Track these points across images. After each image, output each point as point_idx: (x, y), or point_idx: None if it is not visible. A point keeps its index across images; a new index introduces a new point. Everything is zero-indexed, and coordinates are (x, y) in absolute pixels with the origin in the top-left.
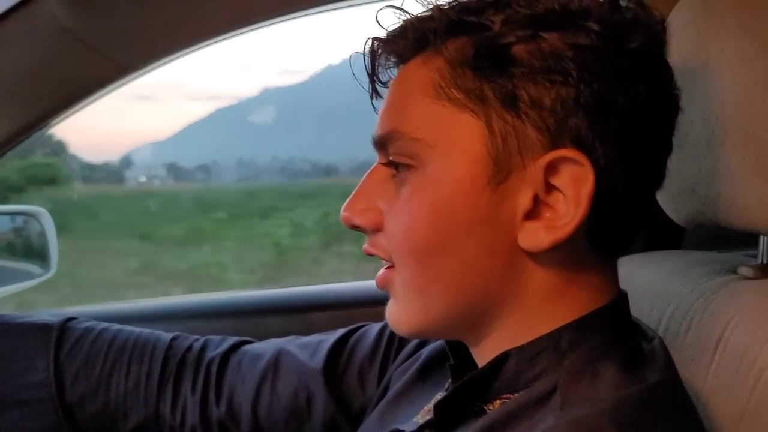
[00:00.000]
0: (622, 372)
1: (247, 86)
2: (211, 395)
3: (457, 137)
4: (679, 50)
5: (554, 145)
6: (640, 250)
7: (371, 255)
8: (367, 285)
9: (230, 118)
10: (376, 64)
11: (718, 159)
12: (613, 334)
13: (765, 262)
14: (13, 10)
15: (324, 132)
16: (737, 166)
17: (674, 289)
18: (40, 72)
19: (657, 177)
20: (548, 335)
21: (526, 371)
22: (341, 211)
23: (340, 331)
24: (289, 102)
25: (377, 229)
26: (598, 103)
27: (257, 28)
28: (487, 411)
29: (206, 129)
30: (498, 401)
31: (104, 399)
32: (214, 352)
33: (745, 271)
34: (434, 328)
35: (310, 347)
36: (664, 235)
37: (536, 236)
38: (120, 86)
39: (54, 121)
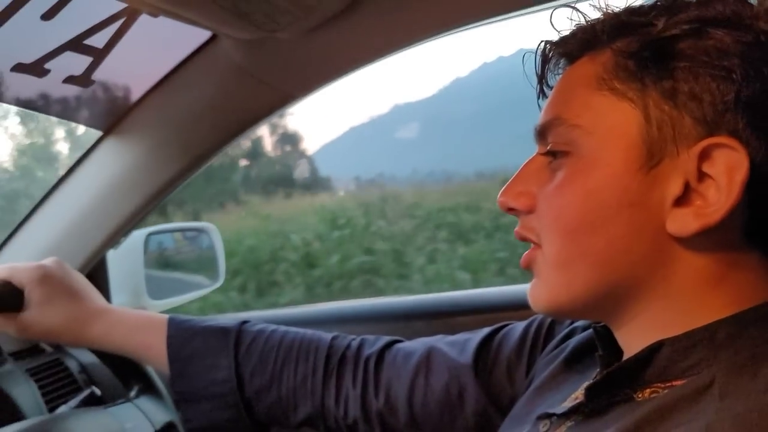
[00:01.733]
0: None
1: (377, 104)
2: (370, 389)
3: (615, 125)
4: None
5: (709, 135)
6: None
7: (522, 239)
8: (509, 290)
9: (364, 136)
10: (546, 67)
11: None
12: None
13: None
14: (194, 53)
15: (457, 142)
16: None
17: None
18: (217, 105)
19: None
20: (705, 327)
21: (679, 362)
22: (498, 196)
23: (486, 329)
24: (420, 116)
25: (530, 212)
26: (759, 100)
27: (412, 47)
28: (636, 399)
29: (341, 147)
30: (648, 390)
31: (277, 393)
32: (370, 350)
33: None
34: (575, 306)
35: (458, 344)
36: None
37: (684, 221)
38: (283, 111)
39: (227, 146)
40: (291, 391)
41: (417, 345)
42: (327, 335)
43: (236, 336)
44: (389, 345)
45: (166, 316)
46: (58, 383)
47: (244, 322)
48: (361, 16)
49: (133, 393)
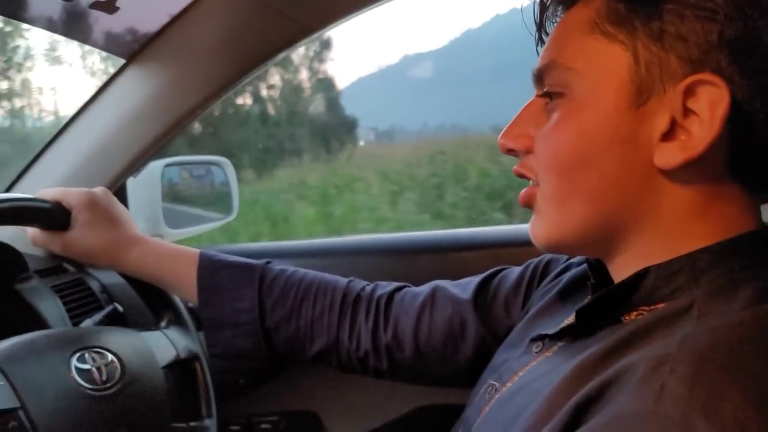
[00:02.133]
0: (758, 294)
1: (387, 55)
2: (381, 324)
3: (606, 66)
4: None
5: (694, 72)
6: None
7: (521, 176)
8: (512, 228)
9: (372, 87)
10: (545, 15)
11: None
12: (753, 260)
13: None
14: None
15: (468, 96)
16: None
17: None
18: (238, 36)
19: None
20: (687, 255)
21: (663, 287)
22: (498, 137)
23: (487, 272)
24: (431, 68)
25: (528, 152)
26: (742, 39)
27: None
28: (624, 321)
29: (353, 95)
30: (635, 313)
31: (295, 325)
32: (382, 291)
33: None
34: (571, 240)
35: (461, 285)
36: None
37: (670, 155)
38: (301, 46)
39: (247, 79)
40: (308, 325)
41: (424, 287)
42: (343, 279)
43: (261, 272)
44: (400, 288)
45: (198, 250)
46: (80, 300)
47: (268, 261)
48: None
49: (163, 323)
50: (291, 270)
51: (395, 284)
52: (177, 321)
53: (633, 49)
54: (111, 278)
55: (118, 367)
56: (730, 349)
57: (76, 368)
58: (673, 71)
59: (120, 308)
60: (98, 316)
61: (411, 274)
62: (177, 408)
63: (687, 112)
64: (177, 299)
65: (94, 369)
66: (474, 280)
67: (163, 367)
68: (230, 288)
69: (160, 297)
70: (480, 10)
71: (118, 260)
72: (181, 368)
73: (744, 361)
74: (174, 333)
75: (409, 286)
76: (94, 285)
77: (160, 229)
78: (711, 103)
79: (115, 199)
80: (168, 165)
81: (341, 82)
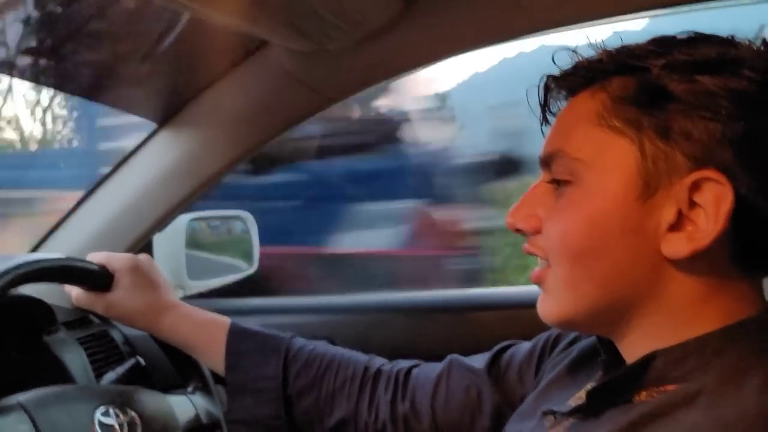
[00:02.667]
0: None
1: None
2: (399, 395)
3: (613, 158)
4: None
5: (699, 168)
6: None
7: (530, 254)
8: (523, 289)
9: None
10: (549, 96)
11: None
12: (760, 343)
13: None
14: (247, 55)
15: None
16: None
17: None
18: (265, 105)
19: None
20: (696, 339)
21: (673, 370)
22: (506, 216)
23: (498, 345)
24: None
25: (536, 232)
26: (744, 138)
27: (447, 59)
28: (634, 401)
29: None
30: (644, 393)
31: (317, 395)
32: (401, 366)
33: None
34: (581, 320)
35: (475, 358)
36: None
37: (678, 245)
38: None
39: (268, 144)
40: (329, 395)
41: (441, 363)
42: (364, 355)
43: (287, 342)
44: (418, 364)
45: (228, 318)
46: (104, 353)
47: (293, 335)
48: (404, 29)
49: (190, 388)
50: (315, 343)
51: (415, 361)
52: (203, 387)
53: (640, 144)
54: (134, 331)
55: (139, 425)
56: None
57: (100, 422)
58: (679, 166)
59: (142, 362)
60: (121, 369)
61: (425, 333)
62: None
63: (693, 204)
64: (205, 366)
65: (116, 425)
66: (487, 353)
67: (183, 430)
68: (257, 354)
69: (189, 362)
70: (487, 54)
71: (154, 324)
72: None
73: None
74: (199, 398)
75: (426, 364)
76: (117, 337)
77: (183, 281)
78: (716, 199)
79: (156, 266)
80: (193, 219)
81: None
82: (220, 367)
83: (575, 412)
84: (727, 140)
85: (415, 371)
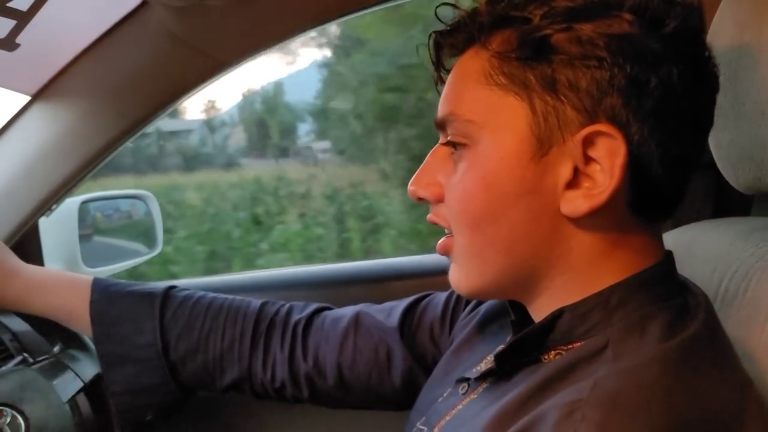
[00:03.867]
0: (667, 327)
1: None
2: (298, 352)
3: (504, 118)
4: (735, 23)
5: (591, 122)
6: (708, 216)
7: (434, 223)
8: (436, 257)
9: None
10: (440, 54)
11: None
12: (661, 292)
13: None
14: (125, 18)
15: None
16: None
17: (735, 253)
18: (150, 72)
19: (695, 151)
20: (598, 293)
21: (579, 326)
22: (408, 185)
23: (411, 298)
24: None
25: (439, 201)
26: (631, 84)
27: (340, 21)
28: (543, 360)
29: None
30: (553, 352)
31: (203, 357)
32: (299, 315)
33: None
34: (490, 288)
35: (385, 311)
36: (731, 202)
37: (576, 203)
38: (216, 81)
39: (161, 115)
40: (218, 356)
41: (345, 310)
42: (256, 301)
43: (162, 300)
44: (318, 311)
45: (90, 278)
46: None
47: (171, 287)
48: None
49: (56, 348)
50: (196, 296)
51: (314, 306)
52: (72, 343)
53: (529, 101)
54: (22, 326)
55: (21, 422)
56: (637, 394)
57: None
58: (570, 121)
59: (30, 359)
60: (5, 369)
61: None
62: None
63: (588, 159)
64: None
65: None
66: (399, 306)
67: (69, 401)
68: (129, 321)
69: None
70: None
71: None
72: (88, 393)
73: (650, 403)
74: (72, 358)
75: (330, 308)
76: (5, 336)
77: (78, 269)
78: (610, 153)
79: None
80: (85, 202)
81: None
82: (89, 334)
83: (487, 376)
84: (614, 88)
85: (317, 321)
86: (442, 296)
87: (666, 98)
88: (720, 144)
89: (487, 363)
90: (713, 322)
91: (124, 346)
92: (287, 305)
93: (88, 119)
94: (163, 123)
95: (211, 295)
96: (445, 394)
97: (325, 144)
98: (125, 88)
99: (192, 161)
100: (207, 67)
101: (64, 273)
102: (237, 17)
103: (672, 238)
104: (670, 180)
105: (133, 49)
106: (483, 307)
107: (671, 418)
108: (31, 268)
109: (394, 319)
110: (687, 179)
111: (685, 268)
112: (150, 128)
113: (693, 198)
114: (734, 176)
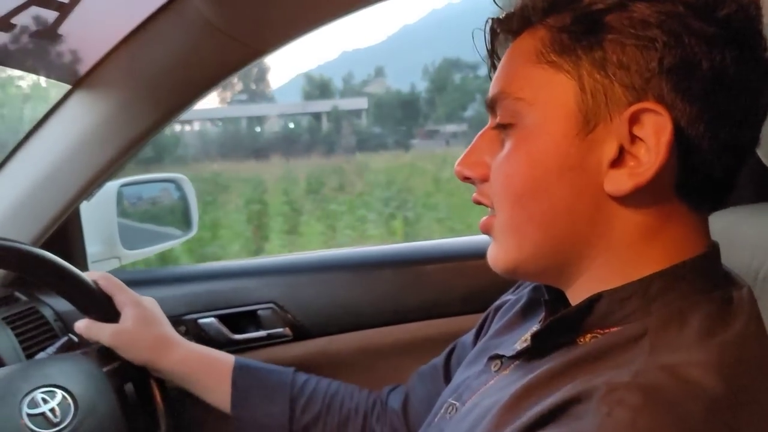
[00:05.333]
0: (709, 322)
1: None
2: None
3: (553, 95)
4: None
5: (638, 100)
6: (748, 201)
7: (479, 203)
8: (474, 239)
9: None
10: (495, 41)
11: None
12: (703, 284)
13: None
14: (163, 8)
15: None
16: None
17: None
18: (186, 60)
19: (748, 138)
20: (639, 280)
21: (617, 311)
22: (455, 165)
23: (449, 346)
24: (368, 63)
25: (484, 180)
26: (681, 66)
27: (372, 5)
28: (579, 343)
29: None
30: (589, 335)
31: (322, 428)
32: (395, 403)
33: None
34: (527, 265)
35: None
36: None
37: (620, 181)
38: (252, 67)
39: (198, 101)
40: (334, 427)
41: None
42: (365, 390)
43: (292, 376)
44: (407, 397)
45: (231, 355)
46: (34, 331)
47: (296, 370)
48: None
49: None
50: (317, 377)
51: (403, 390)
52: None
53: (578, 78)
54: (65, 305)
55: (71, 402)
56: (676, 392)
57: (28, 415)
58: (618, 99)
59: (75, 339)
60: (52, 348)
61: (373, 290)
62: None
63: (634, 138)
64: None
65: (47, 411)
66: (441, 356)
67: (117, 389)
68: (263, 390)
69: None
70: (415, 5)
71: (161, 357)
72: (135, 384)
73: (688, 402)
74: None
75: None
76: (48, 313)
77: (117, 251)
78: (656, 131)
79: (157, 304)
80: (124, 185)
81: (280, 80)
82: (225, 404)
83: (521, 354)
84: (664, 69)
85: (410, 409)
86: (471, 333)
87: (717, 82)
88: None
89: (522, 342)
90: (757, 317)
91: (257, 412)
92: (386, 390)
93: (127, 107)
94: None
95: (328, 380)
96: (478, 372)
97: None
98: (162, 77)
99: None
100: (242, 55)
101: (210, 349)
102: (272, 6)
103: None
104: (719, 164)
105: (170, 38)
106: (525, 293)
107: (707, 420)
108: (186, 341)
109: (441, 358)
110: (738, 167)
111: (722, 253)
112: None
113: None
114: None
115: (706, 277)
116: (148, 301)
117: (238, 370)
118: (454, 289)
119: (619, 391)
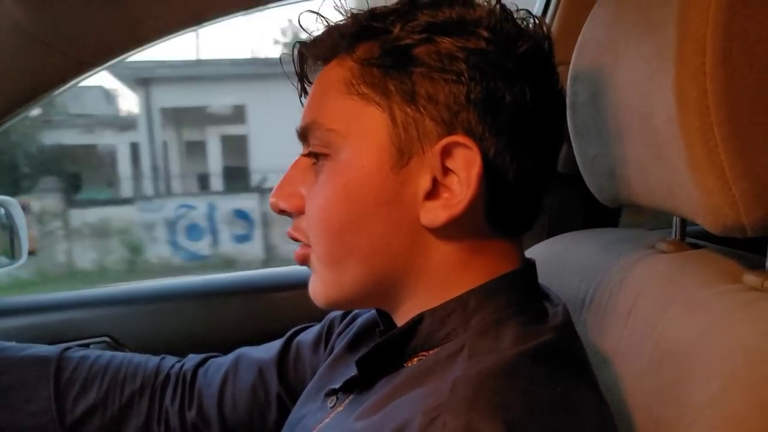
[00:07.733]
0: (522, 331)
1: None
2: (186, 402)
3: (365, 128)
4: (596, 46)
5: (448, 133)
6: (580, 227)
7: (294, 239)
8: None
9: None
10: (305, 65)
11: (629, 145)
12: (518, 297)
13: (678, 238)
14: None
15: None
16: (642, 152)
17: (600, 264)
18: (2, 69)
19: (549, 165)
20: (457, 298)
21: (439, 330)
22: (270, 197)
23: (290, 332)
24: None
25: (300, 212)
26: (486, 99)
27: (214, 23)
28: (405, 367)
29: None
30: (415, 358)
31: (101, 416)
32: (188, 365)
33: (661, 246)
34: (348, 298)
35: (266, 346)
36: (602, 213)
37: (435, 213)
38: (83, 80)
39: (16, 116)
40: (116, 414)
41: (230, 355)
42: (155, 357)
43: (56, 365)
44: (206, 359)
45: None
46: None
47: (66, 348)
48: None
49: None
50: (93, 356)
51: (204, 356)
52: None
53: (389, 111)
54: None
55: None
56: (494, 395)
57: None
58: (429, 132)
59: None
60: None
61: (221, 320)
62: None
63: (447, 171)
64: None
65: None
66: (279, 341)
67: None
68: (20, 390)
69: None
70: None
71: None
72: None
73: (509, 403)
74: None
75: (218, 356)
76: None
77: None
78: (466, 164)
79: None
80: None
81: None
82: None
83: (351, 385)
84: (471, 102)
85: (201, 370)
86: (315, 328)
87: (519, 114)
88: (585, 159)
89: (352, 372)
90: (569, 329)
91: (17, 415)
92: (184, 359)
93: None
94: None
95: (109, 354)
96: (315, 408)
97: None
98: None
99: None
100: (67, 68)
101: None
102: (96, 13)
103: (544, 248)
104: (525, 192)
105: None
106: (358, 321)
107: (529, 416)
108: None
109: (273, 352)
110: (541, 192)
111: (555, 277)
112: None
113: (566, 209)
114: (598, 190)
115: (521, 290)
116: None
117: None
118: (305, 316)
119: (441, 417)
